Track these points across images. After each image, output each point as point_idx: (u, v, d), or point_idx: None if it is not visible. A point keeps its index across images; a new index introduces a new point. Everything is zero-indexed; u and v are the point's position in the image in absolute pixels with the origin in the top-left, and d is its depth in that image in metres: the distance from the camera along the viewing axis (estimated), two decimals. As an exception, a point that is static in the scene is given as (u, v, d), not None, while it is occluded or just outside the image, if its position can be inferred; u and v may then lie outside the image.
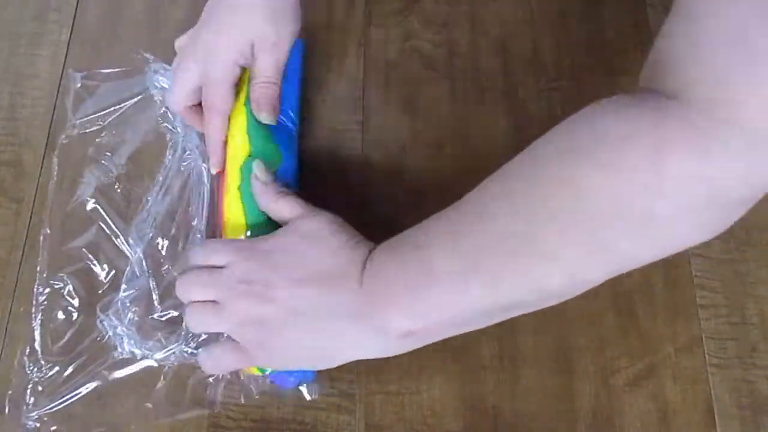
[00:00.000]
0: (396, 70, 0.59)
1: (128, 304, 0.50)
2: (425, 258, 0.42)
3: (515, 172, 0.41)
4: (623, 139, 0.36)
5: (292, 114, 0.55)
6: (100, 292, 0.52)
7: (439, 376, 0.50)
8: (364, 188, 0.55)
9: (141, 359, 0.50)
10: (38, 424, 0.49)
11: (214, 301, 0.45)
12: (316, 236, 0.46)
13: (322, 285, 0.44)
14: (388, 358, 0.50)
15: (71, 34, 0.62)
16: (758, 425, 0.49)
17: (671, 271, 0.53)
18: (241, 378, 0.49)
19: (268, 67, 0.51)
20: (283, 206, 0.48)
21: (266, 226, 0.48)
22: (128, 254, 0.52)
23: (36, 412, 0.49)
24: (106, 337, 0.50)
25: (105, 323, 0.49)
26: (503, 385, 0.50)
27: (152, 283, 0.51)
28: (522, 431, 0.49)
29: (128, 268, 0.51)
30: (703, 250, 0.53)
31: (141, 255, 0.52)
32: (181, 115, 0.54)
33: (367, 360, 0.50)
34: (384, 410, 0.49)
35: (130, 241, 0.53)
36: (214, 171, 0.52)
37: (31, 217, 0.55)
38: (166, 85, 0.56)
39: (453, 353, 0.51)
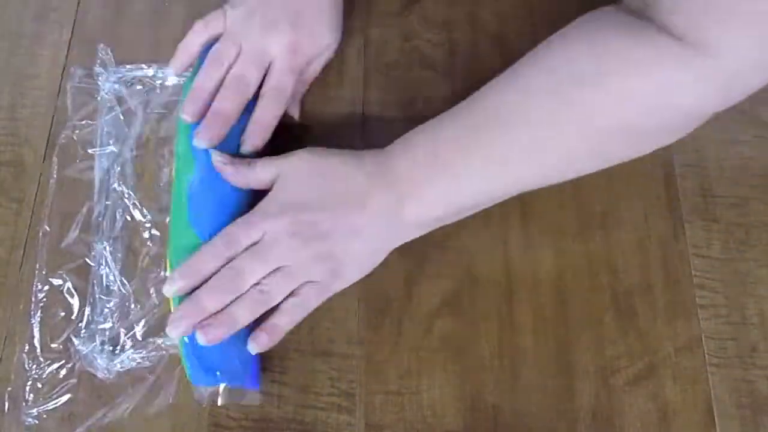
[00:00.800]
0: (396, 70, 0.59)
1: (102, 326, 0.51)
2: (445, 164, 0.48)
3: (521, 86, 0.47)
4: (619, 60, 0.44)
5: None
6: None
7: (439, 376, 0.50)
8: (364, 188, 0.55)
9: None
10: (37, 421, 0.49)
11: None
12: (315, 170, 0.49)
13: (356, 201, 0.48)
14: (388, 358, 0.50)
15: (72, 33, 0.62)
16: (758, 425, 0.49)
17: (671, 271, 0.53)
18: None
19: (318, 66, 0.57)
20: (260, 172, 0.49)
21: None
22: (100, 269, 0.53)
23: (35, 409, 0.49)
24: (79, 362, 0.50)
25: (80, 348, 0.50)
26: (503, 385, 0.50)
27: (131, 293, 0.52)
28: (522, 431, 0.49)
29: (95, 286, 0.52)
30: (703, 250, 0.53)
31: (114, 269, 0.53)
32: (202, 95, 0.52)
33: (367, 360, 0.50)
34: (384, 410, 0.49)
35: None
36: (248, 151, 0.51)
37: (31, 217, 0.55)
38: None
39: (453, 353, 0.51)
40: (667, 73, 0.43)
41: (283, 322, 0.47)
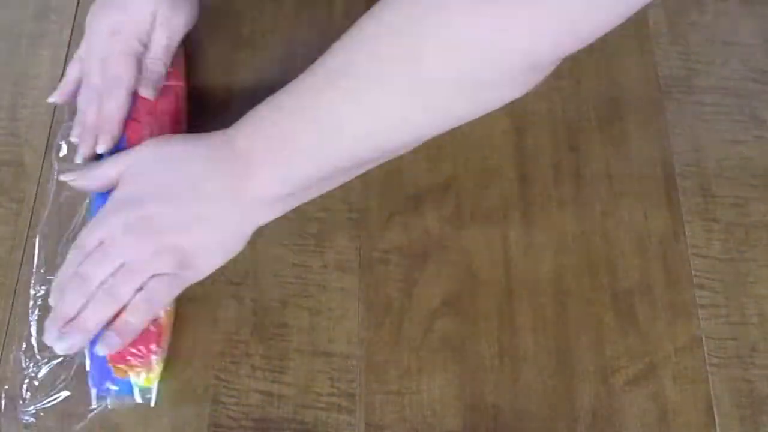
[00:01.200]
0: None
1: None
2: (286, 129, 0.46)
3: (355, 46, 0.44)
4: (439, 7, 0.40)
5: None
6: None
7: (439, 376, 0.50)
8: (363, 188, 0.55)
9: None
10: (35, 419, 0.49)
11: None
12: (158, 158, 0.48)
13: (194, 187, 0.47)
14: (388, 358, 0.50)
15: (72, 33, 0.62)
16: (758, 425, 0.49)
17: (671, 271, 0.53)
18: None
19: (160, 45, 0.54)
20: (106, 168, 0.49)
21: None
22: None
23: (33, 406, 0.49)
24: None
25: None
26: (503, 385, 0.50)
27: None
28: (522, 431, 0.49)
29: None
30: (703, 250, 0.53)
31: None
32: (68, 90, 0.54)
33: (367, 360, 0.50)
34: (384, 410, 0.49)
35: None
36: (103, 149, 0.51)
37: (31, 217, 0.55)
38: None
39: (453, 353, 0.51)
40: (492, 18, 0.39)
41: (134, 319, 0.46)
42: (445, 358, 0.51)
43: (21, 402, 0.49)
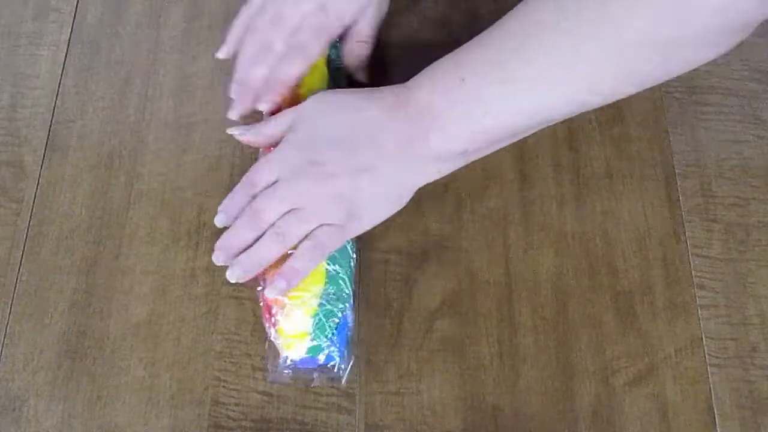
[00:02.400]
0: (396, 70, 0.59)
1: None
2: (471, 85, 0.46)
3: (544, 6, 0.44)
4: None
5: None
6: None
7: (439, 376, 0.50)
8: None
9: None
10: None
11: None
12: (333, 107, 0.49)
13: (371, 137, 0.47)
14: (388, 358, 0.50)
15: (71, 34, 0.62)
16: (758, 425, 0.49)
17: (671, 271, 0.53)
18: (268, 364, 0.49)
19: (369, 27, 0.54)
20: (274, 125, 0.49)
21: None
22: None
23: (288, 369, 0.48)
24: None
25: None
26: (503, 385, 0.50)
27: None
28: (522, 431, 0.49)
29: None
30: (703, 250, 0.53)
31: None
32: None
33: (367, 360, 0.50)
34: (384, 410, 0.49)
35: None
36: (266, 109, 0.52)
37: (31, 217, 0.55)
38: None
39: (453, 353, 0.51)
40: None
41: (299, 265, 0.47)
42: (445, 358, 0.51)
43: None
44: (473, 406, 0.49)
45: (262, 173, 0.48)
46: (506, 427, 0.49)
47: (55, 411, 0.49)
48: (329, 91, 0.51)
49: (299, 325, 0.47)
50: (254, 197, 0.48)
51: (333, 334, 0.47)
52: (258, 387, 0.50)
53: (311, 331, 0.47)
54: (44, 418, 0.49)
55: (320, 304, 0.47)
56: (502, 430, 0.49)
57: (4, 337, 0.52)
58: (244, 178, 0.49)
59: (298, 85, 0.52)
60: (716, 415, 0.49)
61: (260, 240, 0.47)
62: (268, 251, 0.47)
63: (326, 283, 0.48)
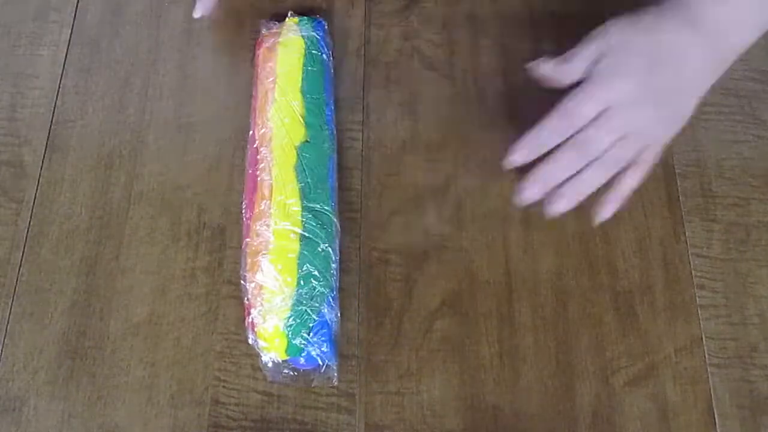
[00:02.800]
0: (396, 70, 0.59)
1: None
2: None
3: None
4: None
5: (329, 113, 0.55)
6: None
7: (439, 376, 0.50)
8: (364, 188, 0.55)
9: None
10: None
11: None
12: (635, 32, 0.48)
13: (681, 55, 0.48)
14: (388, 358, 0.50)
15: (71, 34, 0.62)
16: (758, 425, 0.49)
17: (671, 271, 0.53)
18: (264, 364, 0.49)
19: None
20: (581, 56, 0.49)
21: (326, 213, 0.50)
22: None
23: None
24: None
25: None
26: (503, 385, 0.50)
27: None
28: (522, 431, 0.49)
29: None
30: (703, 250, 0.53)
31: None
32: None
33: (367, 360, 0.50)
34: (384, 410, 0.49)
35: None
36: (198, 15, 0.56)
37: (31, 217, 0.55)
38: None
39: (453, 353, 0.51)
40: None
41: (629, 187, 0.49)
42: (445, 358, 0.51)
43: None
44: (473, 406, 0.49)
45: (587, 106, 0.48)
46: (506, 427, 0.49)
47: (55, 411, 0.49)
48: (621, 18, 0.50)
49: (274, 327, 0.47)
50: (575, 130, 0.47)
51: (309, 334, 0.47)
52: (258, 387, 0.50)
53: (287, 332, 0.47)
54: (44, 418, 0.49)
55: (293, 306, 0.47)
56: (502, 430, 0.49)
57: (4, 337, 0.52)
58: (554, 114, 0.48)
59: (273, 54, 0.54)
60: (716, 415, 0.49)
61: (584, 169, 0.48)
62: (596, 179, 0.48)
63: (299, 284, 0.48)
